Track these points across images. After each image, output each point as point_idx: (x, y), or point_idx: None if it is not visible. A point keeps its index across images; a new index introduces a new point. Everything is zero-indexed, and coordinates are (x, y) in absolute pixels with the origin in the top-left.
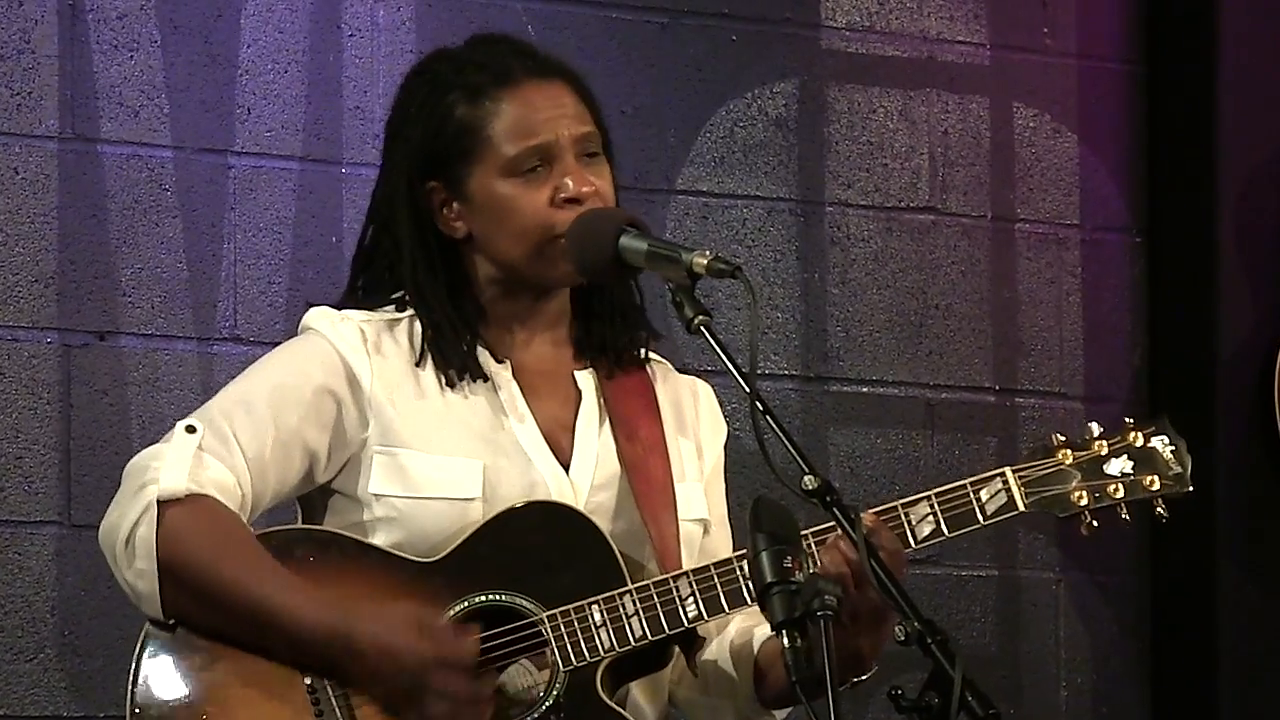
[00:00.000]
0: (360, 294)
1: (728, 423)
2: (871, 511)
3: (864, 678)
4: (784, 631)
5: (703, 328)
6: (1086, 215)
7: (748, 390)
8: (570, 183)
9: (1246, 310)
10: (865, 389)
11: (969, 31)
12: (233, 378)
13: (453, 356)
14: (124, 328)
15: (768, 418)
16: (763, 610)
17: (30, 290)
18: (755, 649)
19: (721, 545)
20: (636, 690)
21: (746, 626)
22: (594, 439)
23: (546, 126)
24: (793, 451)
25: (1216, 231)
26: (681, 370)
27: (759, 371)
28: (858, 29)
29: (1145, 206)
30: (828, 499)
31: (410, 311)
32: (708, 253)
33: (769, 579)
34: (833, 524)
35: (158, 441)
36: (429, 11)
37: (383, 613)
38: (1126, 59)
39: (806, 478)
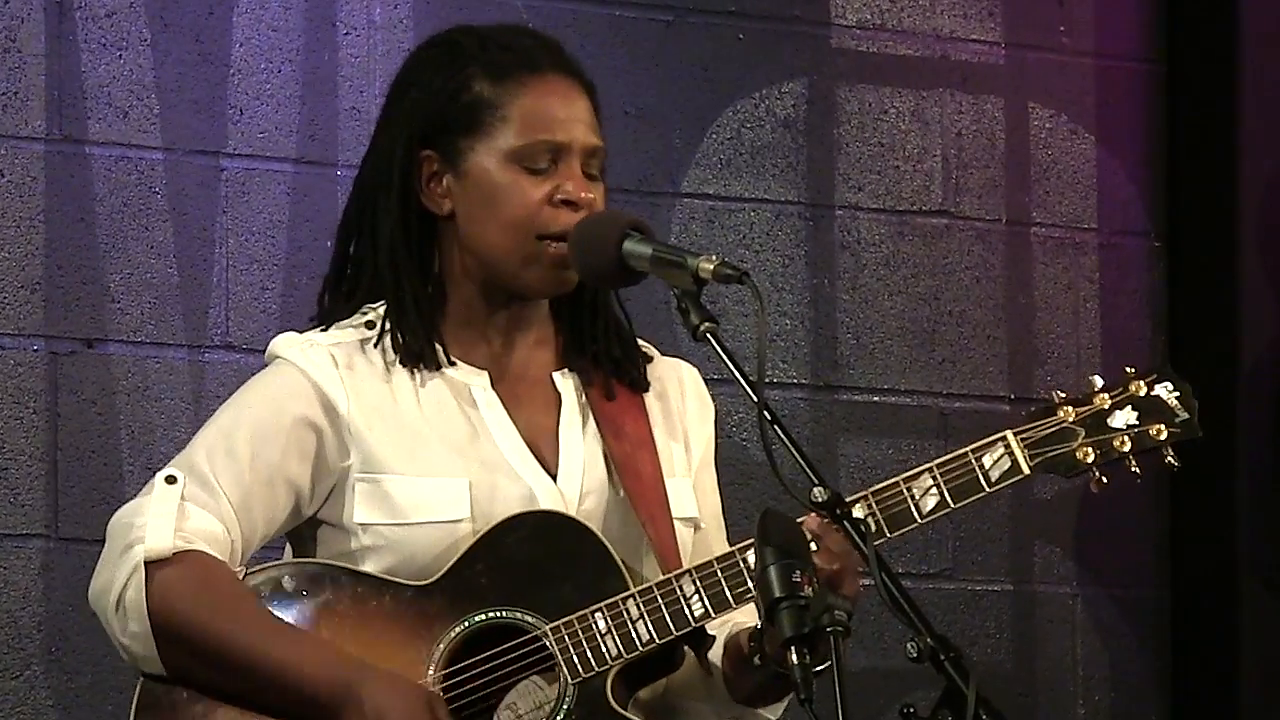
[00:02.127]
0: (328, 314)
1: (734, 433)
2: (873, 489)
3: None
4: (793, 647)
5: (709, 335)
6: (1104, 219)
7: (755, 399)
8: (571, 186)
9: (1268, 316)
10: (876, 398)
11: (983, 29)
12: (225, 386)
13: (411, 340)
14: (113, 335)
15: (776, 428)
16: (772, 625)
17: (16, 296)
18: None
19: (715, 542)
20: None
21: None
22: (579, 443)
23: (564, 127)
24: (802, 462)
25: (1237, 235)
26: None
27: (767, 380)
28: (868, 27)
29: (1164, 209)
30: (838, 511)
31: (378, 330)
32: (714, 257)
33: (778, 594)
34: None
35: (146, 447)
36: (426, 8)
37: (392, 674)
38: (1145, 58)
39: (816, 489)
